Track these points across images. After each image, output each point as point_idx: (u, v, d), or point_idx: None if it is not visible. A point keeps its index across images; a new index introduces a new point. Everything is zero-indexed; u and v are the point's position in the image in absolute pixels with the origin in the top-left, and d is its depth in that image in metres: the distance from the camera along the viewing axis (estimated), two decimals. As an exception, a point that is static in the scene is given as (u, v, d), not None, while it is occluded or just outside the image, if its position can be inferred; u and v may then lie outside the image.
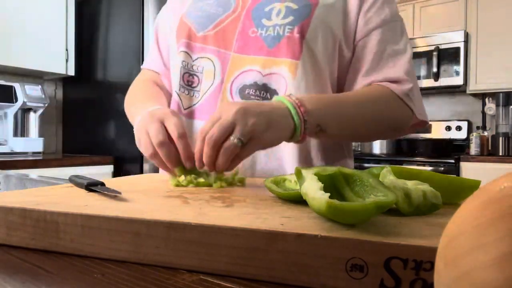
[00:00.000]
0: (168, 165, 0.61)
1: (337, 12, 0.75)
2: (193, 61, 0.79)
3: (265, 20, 0.75)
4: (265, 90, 0.73)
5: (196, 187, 0.57)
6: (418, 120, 0.76)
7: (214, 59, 0.77)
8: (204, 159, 0.56)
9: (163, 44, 0.93)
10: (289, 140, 0.61)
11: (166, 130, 0.61)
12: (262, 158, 0.75)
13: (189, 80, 0.79)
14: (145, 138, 0.62)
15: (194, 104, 0.79)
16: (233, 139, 0.54)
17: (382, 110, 0.72)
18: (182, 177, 0.59)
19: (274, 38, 0.73)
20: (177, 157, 0.60)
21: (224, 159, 0.55)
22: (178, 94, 0.80)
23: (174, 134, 0.60)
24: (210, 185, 0.58)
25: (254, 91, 0.73)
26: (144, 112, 0.67)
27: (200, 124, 0.77)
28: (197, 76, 0.79)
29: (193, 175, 0.59)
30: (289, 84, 0.72)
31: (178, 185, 0.58)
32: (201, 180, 0.58)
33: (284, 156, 0.74)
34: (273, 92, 0.73)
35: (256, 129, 0.55)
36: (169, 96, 0.88)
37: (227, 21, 0.77)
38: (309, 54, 0.72)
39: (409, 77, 0.73)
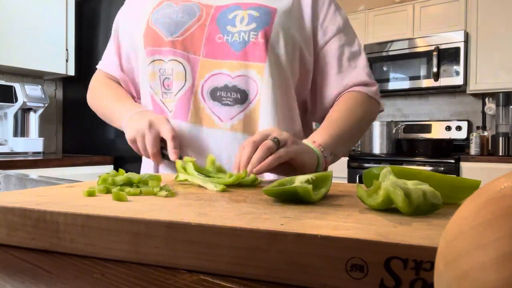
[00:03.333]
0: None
1: (295, 18, 0.83)
2: (166, 63, 0.82)
3: (229, 27, 0.81)
4: (235, 91, 0.80)
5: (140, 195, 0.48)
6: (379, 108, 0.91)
7: (184, 62, 0.81)
8: (243, 158, 0.62)
9: (124, 45, 0.94)
10: (315, 169, 0.70)
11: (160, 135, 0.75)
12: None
13: (167, 84, 0.83)
14: (141, 142, 0.76)
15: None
16: (269, 139, 0.64)
17: (365, 116, 0.85)
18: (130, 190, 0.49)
19: (240, 43, 0.80)
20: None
21: (260, 153, 0.61)
22: (162, 102, 0.84)
23: (168, 137, 0.73)
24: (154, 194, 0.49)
25: (225, 93, 0.80)
26: (135, 111, 0.81)
27: (173, 123, 0.81)
28: (169, 79, 0.83)
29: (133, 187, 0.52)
30: (259, 85, 0.79)
31: (91, 194, 0.47)
32: (130, 189, 0.49)
33: None
34: (243, 93, 0.80)
35: (288, 139, 0.66)
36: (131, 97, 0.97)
37: (193, 27, 0.81)
38: (273, 57, 0.80)
39: (372, 78, 0.87)
